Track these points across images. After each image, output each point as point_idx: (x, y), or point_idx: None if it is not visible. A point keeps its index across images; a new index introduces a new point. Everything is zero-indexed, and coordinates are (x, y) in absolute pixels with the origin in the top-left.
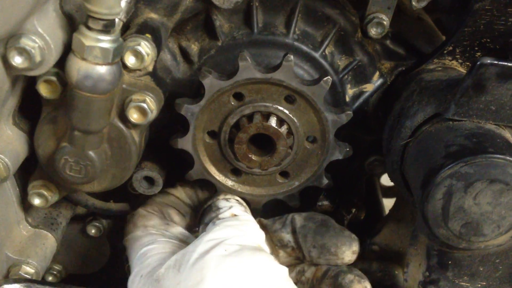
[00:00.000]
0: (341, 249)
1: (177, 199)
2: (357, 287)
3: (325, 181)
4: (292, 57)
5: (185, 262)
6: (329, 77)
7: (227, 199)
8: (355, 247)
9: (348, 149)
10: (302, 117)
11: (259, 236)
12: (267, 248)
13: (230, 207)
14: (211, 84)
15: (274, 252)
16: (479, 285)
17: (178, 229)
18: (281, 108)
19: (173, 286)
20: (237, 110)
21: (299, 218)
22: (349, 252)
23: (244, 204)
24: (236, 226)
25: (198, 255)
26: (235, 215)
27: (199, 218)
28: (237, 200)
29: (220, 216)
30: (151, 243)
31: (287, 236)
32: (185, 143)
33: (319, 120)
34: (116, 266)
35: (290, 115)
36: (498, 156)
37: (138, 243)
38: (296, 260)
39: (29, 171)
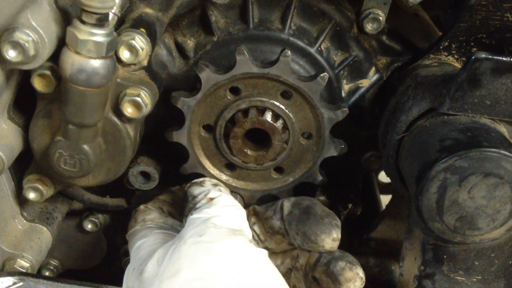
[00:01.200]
0: (320, 237)
1: (179, 197)
2: (348, 275)
3: (320, 177)
4: (289, 52)
5: (162, 254)
6: (325, 73)
7: (200, 184)
8: (335, 234)
9: (343, 146)
10: (298, 113)
11: (238, 215)
12: (248, 229)
13: (206, 193)
14: (208, 77)
15: (267, 239)
16: (474, 279)
17: (177, 221)
18: (277, 103)
19: (151, 279)
20: (233, 105)
21: (287, 205)
22: (328, 239)
23: (220, 183)
24: (212, 210)
25: (175, 246)
26: (211, 199)
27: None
28: (211, 182)
29: (197, 205)
30: (146, 236)
31: (277, 223)
32: (180, 136)
33: (315, 116)
34: (113, 261)
35: (286, 111)
36: (493, 150)
37: (135, 237)
38: (289, 245)
39: (24, 165)
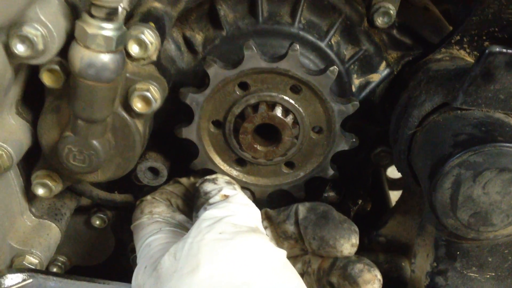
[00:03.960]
0: (339, 241)
1: (186, 189)
2: (367, 276)
3: (331, 172)
4: (298, 46)
5: (180, 249)
6: (335, 66)
7: (214, 181)
8: (354, 239)
9: (354, 139)
10: (308, 107)
11: (254, 215)
12: (263, 229)
13: (219, 189)
14: (216, 73)
15: (279, 244)
16: (488, 276)
17: (184, 217)
18: (286, 98)
19: (170, 274)
20: (242, 100)
21: (302, 209)
22: (347, 245)
23: (233, 181)
24: (229, 208)
25: (192, 240)
26: (226, 196)
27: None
28: (225, 179)
29: (211, 201)
30: (156, 233)
31: (291, 228)
32: (189, 132)
33: (325, 110)
34: (120, 257)
35: (296, 105)
36: (508, 145)
37: (143, 232)
38: (301, 251)
39: (33, 161)
